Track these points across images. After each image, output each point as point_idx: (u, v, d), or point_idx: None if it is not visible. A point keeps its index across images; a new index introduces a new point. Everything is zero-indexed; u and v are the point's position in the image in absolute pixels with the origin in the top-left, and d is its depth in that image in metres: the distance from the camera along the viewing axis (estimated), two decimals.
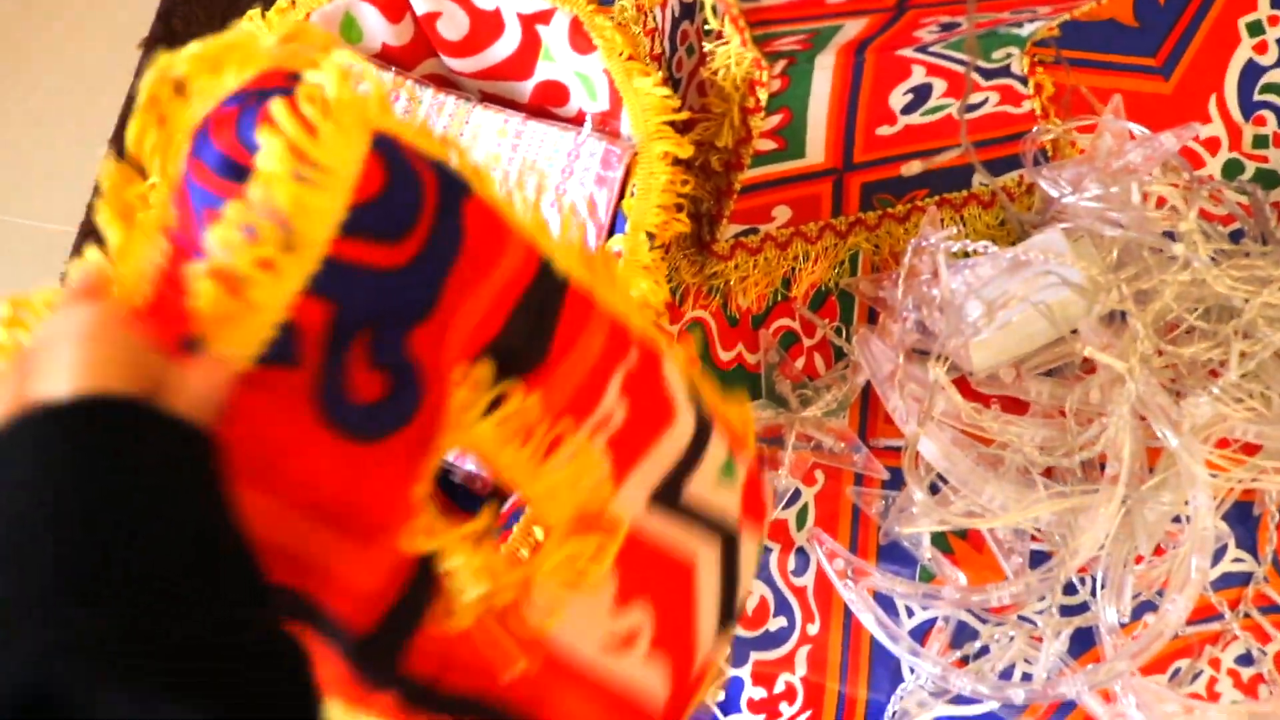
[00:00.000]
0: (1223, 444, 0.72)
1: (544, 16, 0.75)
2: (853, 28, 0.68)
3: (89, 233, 1.25)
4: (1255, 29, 0.88)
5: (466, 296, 0.41)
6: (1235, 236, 0.81)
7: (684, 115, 0.71)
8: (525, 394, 0.43)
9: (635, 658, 0.47)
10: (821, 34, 0.68)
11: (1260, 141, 0.86)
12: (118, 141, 1.25)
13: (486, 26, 0.76)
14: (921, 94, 0.76)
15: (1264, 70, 0.87)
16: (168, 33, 1.28)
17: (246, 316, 0.36)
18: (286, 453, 0.37)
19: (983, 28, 0.72)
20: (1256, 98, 0.87)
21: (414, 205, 0.39)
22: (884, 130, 0.77)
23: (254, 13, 0.75)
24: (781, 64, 0.71)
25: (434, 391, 0.40)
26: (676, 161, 0.71)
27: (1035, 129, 0.79)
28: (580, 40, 0.73)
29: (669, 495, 0.48)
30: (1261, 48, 0.87)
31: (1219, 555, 0.77)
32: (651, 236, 0.69)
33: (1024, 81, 0.78)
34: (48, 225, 1.29)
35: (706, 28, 0.70)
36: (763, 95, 0.72)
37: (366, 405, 0.39)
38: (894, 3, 0.65)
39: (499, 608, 0.42)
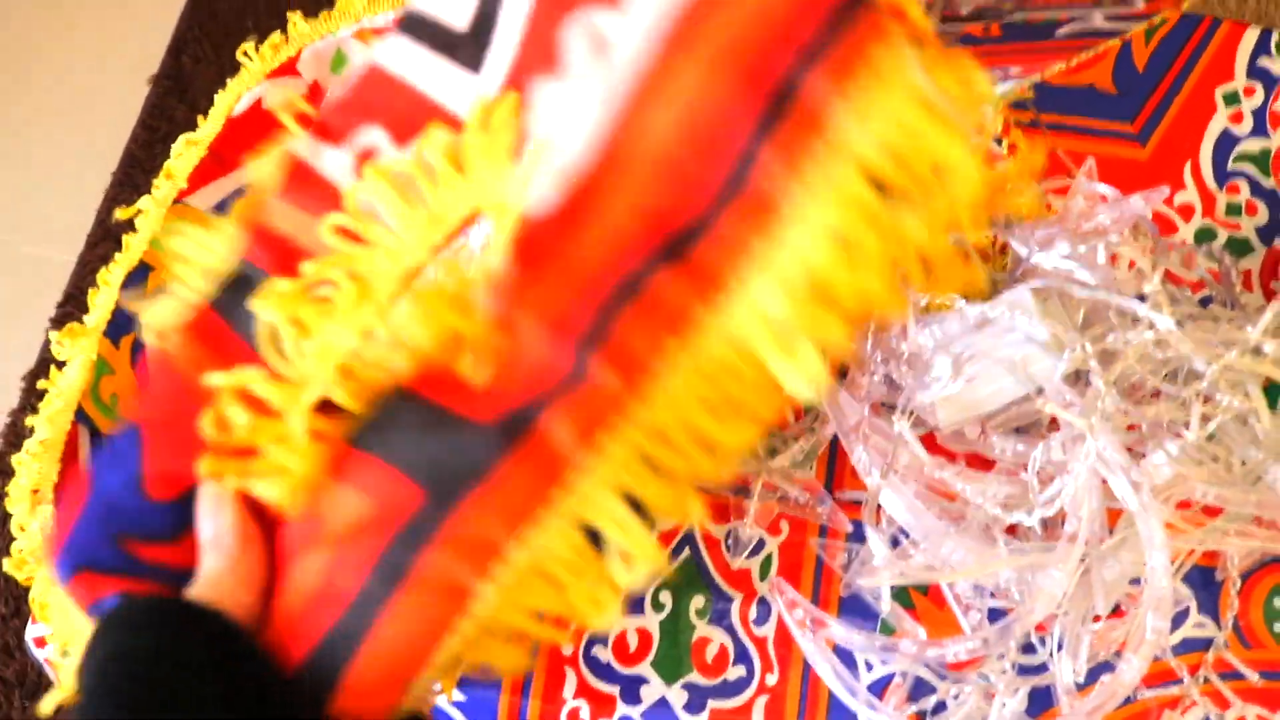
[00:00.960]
0: (1184, 505, 0.73)
1: None
2: None
3: (89, 262, 1.27)
4: (1231, 99, 0.89)
5: None
6: (1205, 302, 0.82)
7: None
8: None
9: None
10: None
11: (1233, 209, 0.87)
12: (121, 174, 1.27)
13: None
14: None
15: (1238, 140, 0.88)
16: (177, 69, 1.31)
17: None
18: None
19: None
20: (1230, 166, 0.88)
21: None
22: None
23: (248, 46, 0.77)
24: None
25: None
26: None
27: (1008, 189, 0.80)
28: None
29: None
30: (1237, 117, 0.89)
31: (1181, 619, 0.77)
32: None
33: (998, 142, 0.79)
34: (51, 253, 1.30)
35: None
36: None
37: None
38: None
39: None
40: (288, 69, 0.77)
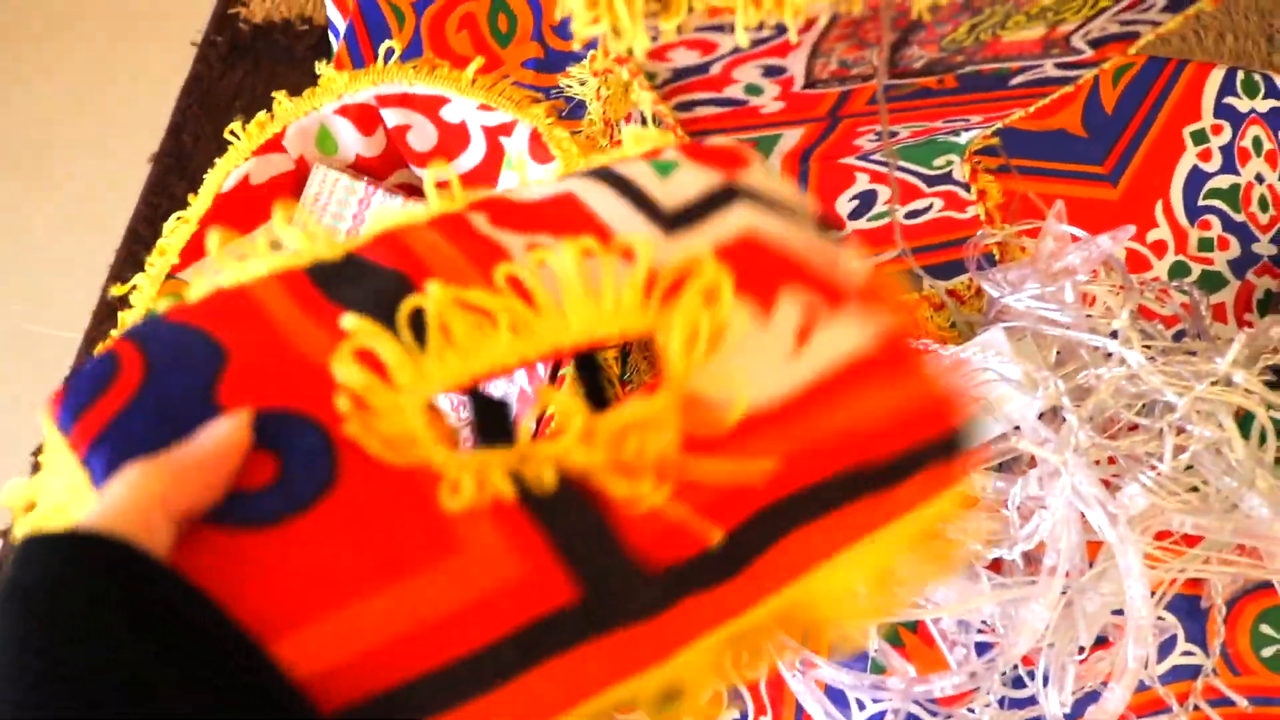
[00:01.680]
0: (1163, 535, 0.74)
1: (506, 129, 0.79)
2: (792, 137, 0.72)
3: (94, 339, 1.30)
4: (1199, 137, 0.91)
5: None
6: (1179, 336, 0.83)
7: None
8: None
9: (822, 335, 0.45)
10: (762, 143, 0.72)
11: (1205, 245, 0.89)
12: (125, 251, 1.30)
13: (454, 139, 0.81)
14: (866, 200, 0.79)
15: (1208, 176, 0.90)
16: (177, 147, 1.34)
17: None
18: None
19: (919, 136, 0.75)
20: (1201, 203, 0.90)
21: None
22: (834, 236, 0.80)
23: (235, 125, 0.80)
24: None
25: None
26: None
27: (979, 233, 0.82)
28: (539, 151, 0.78)
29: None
30: (1205, 155, 0.91)
31: (1169, 648, 0.78)
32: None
33: (967, 188, 0.81)
34: (55, 331, 1.33)
35: None
36: None
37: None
38: (826, 112, 0.68)
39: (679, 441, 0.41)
40: (274, 145, 0.80)
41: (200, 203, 0.78)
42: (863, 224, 0.80)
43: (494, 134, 0.80)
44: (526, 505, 0.39)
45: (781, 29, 0.52)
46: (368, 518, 0.38)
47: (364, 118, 0.81)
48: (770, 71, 0.62)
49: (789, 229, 0.47)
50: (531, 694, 0.38)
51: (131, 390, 0.40)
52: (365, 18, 0.97)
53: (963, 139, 0.78)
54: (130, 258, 1.30)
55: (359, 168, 0.83)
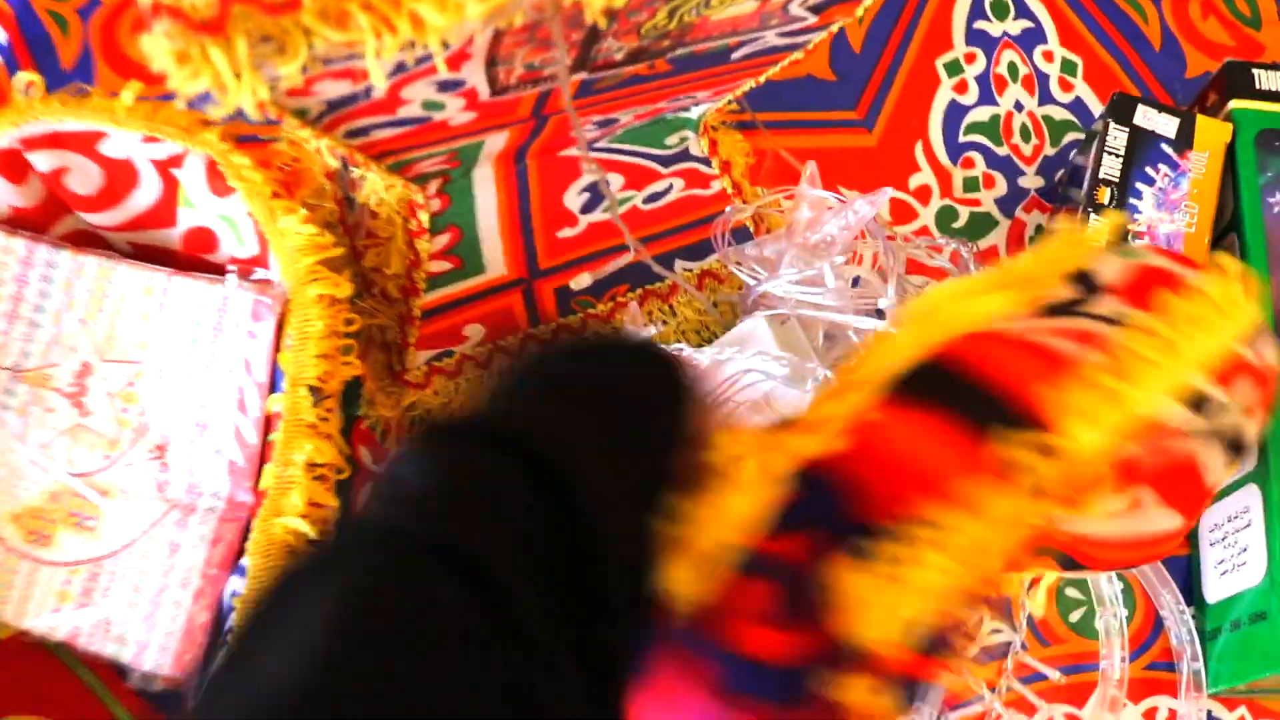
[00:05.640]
0: None
1: (177, 160, 0.68)
2: (497, 140, 0.63)
3: None
4: (954, 68, 0.86)
5: None
6: None
7: (337, 252, 0.65)
8: None
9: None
10: (464, 151, 0.63)
11: (971, 184, 0.83)
12: None
13: (120, 177, 0.69)
14: (596, 191, 0.71)
15: (966, 109, 0.85)
16: None
17: None
18: None
19: (644, 118, 0.67)
20: (962, 139, 0.84)
21: None
22: (566, 233, 0.72)
23: None
24: (436, 183, 0.66)
25: None
26: (338, 300, 0.65)
27: (728, 209, 0.75)
28: (219, 182, 0.67)
29: None
30: (961, 87, 0.85)
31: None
32: (316, 390, 0.63)
33: (707, 163, 0.74)
34: None
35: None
36: (424, 217, 0.66)
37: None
38: (529, 113, 0.60)
39: None
40: None
41: None
42: (599, 215, 0.72)
43: (164, 167, 0.69)
44: None
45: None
46: None
47: (11, 165, 0.69)
48: (446, 86, 0.53)
49: None
50: None
51: None
52: (24, 31, 0.84)
53: (694, 113, 0.70)
54: None
55: (16, 222, 0.71)
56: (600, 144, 0.69)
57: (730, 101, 0.71)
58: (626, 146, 0.69)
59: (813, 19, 0.58)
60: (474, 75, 0.52)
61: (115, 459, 0.67)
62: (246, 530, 0.65)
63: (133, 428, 0.67)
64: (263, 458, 0.65)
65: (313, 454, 0.62)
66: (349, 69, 0.48)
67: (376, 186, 0.66)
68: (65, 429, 0.68)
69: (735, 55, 0.61)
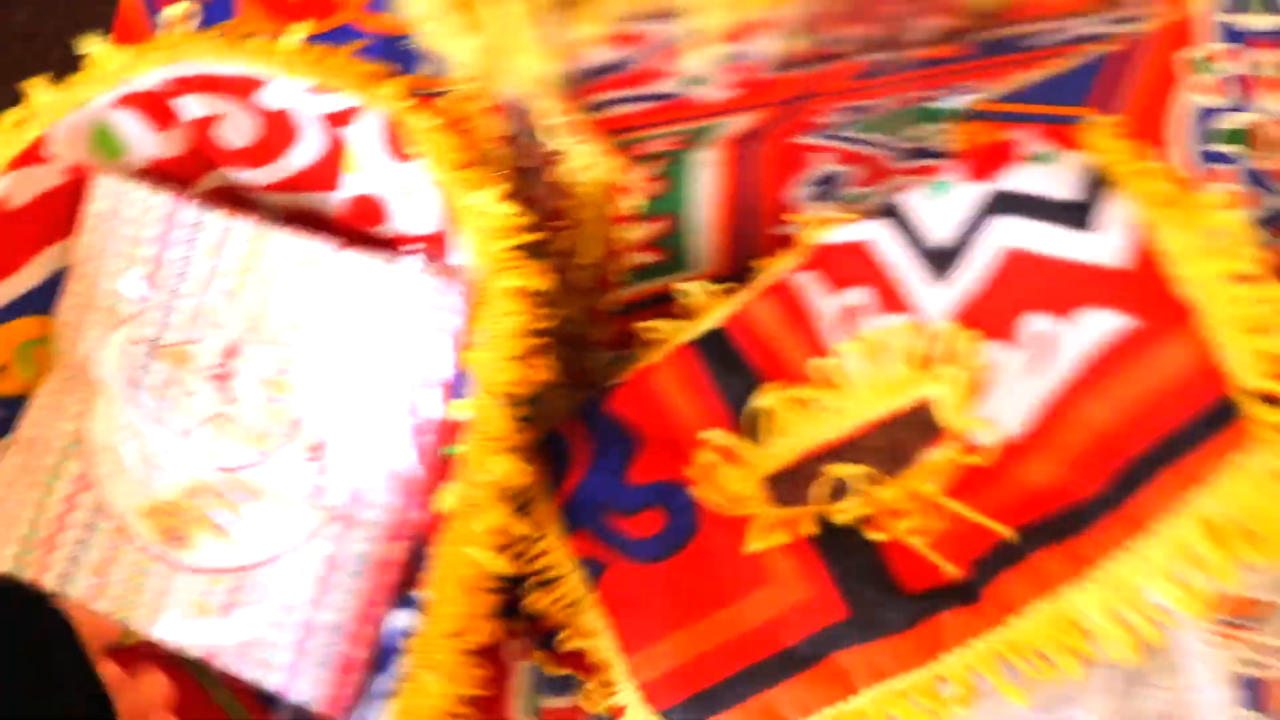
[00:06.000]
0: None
1: (347, 116, 0.59)
2: (740, 122, 0.54)
3: None
4: (1197, 66, 0.75)
5: None
6: None
7: (538, 237, 0.56)
8: None
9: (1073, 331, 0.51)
10: (701, 132, 0.54)
11: None
12: None
13: (278, 130, 0.60)
14: (829, 183, 0.62)
15: (1212, 113, 0.75)
16: None
17: None
18: None
19: (905, 105, 0.58)
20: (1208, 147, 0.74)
21: None
22: (791, 228, 0.63)
23: None
24: (655, 165, 0.56)
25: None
26: (536, 294, 0.56)
27: None
28: (397, 145, 0.58)
29: None
30: (1205, 87, 0.75)
31: None
32: (508, 398, 0.54)
33: (941, 159, 0.64)
34: None
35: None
36: (634, 202, 0.57)
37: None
38: (789, 94, 0.50)
39: None
40: (32, 155, 0.58)
41: None
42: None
43: (331, 122, 0.59)
44: (816, 545, 0.53)
45: None
46: (713, 559, 0.55)
47: (155, 109, 0.60)
48: (729, 58, 0.44)
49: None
50: (810, 687, 0.52)
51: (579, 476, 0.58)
52: None
53: (947, 105, 0.60)
54: None
55: (156, 174, 0.62)
56: (843, 132, 0.59)
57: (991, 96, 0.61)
58: (865, 136, 0.60)
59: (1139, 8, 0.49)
60: (769, 46, 0.43)
61: (267, 455, 0.58)
62: (415, 555, 0.56)
63: (285, 421, 0.58)
64: (440, 473, 0.56)
65: (503, 474, 0.53)
66: (632, 33, 0.39)
67: (585, 162, 0.56)
68: (208, 416, 0.59)
69: (1036, 42, 0.51)
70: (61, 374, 0.61)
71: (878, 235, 0.56)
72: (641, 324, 0.61)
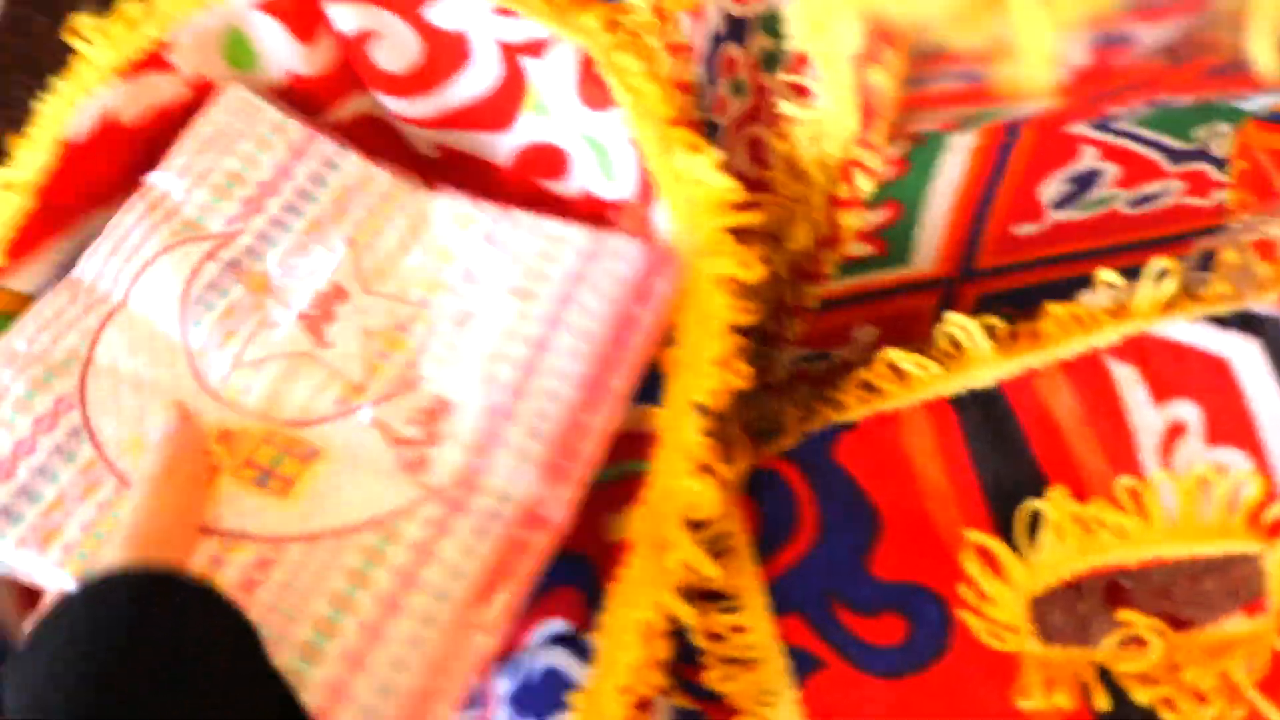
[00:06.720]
0: None
1: (535, 47, 0.49)
2: (1031, 108, 0.44)
3: None
4: None
5: None
6: None
7: (755, 218, 0.46)
8: None
9: None
10: (983, 116, 0.44)
11: None
12: None
13: (446, 54, 0.51)
14: (1084, 182, 0.52)
15: None
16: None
17: None
18: None
19: (1207, 101, 0.48)
20: None
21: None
22: (1024, 229, 0.53)
23: (83, 24, 0.49)
24: (903, 145, 0.47)
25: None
26: (746, 286, 0.46)
27: (1237, 224, 0.55)
28: (594, 90, 0.48)
29: None
30: None
31: None
32: (704, 410, 0.45)
33: (1221, 166, 0.54)
34: None
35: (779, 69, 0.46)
36: (866, 184, 0.48)
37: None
38: (1116, 86, 0.41)
39: None
40: (154, 60, 0.49)
41: (31, 159, 0.47)
42: (1069, 213, 0.53)
43: (514, 53, 0.50)
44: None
45: None
46: (961, 694, 0.45)
47: (301, 17, 0.50)
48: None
49: None
50: None
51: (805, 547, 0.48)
52: None
53: (1248, 105, 0.51)
54: None
55: (292, 93, 0.52)
56: (1119, 124, 0.49)
57: None
58: (1144, 132, 0.50)
59: None
60: (1155, 35, 0.34)
61: (348, 409, 0.47)
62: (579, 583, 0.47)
63: (389, 379, 0.48)
64: (604, 489, 0.46)
65: (694, 504, 0.44)
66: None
67: (819, 130, 0.47)
68: (284, 353, 0.47)
69: None
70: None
71: (1241, 353, 0.46)
72: (893, 354, 0.50)
